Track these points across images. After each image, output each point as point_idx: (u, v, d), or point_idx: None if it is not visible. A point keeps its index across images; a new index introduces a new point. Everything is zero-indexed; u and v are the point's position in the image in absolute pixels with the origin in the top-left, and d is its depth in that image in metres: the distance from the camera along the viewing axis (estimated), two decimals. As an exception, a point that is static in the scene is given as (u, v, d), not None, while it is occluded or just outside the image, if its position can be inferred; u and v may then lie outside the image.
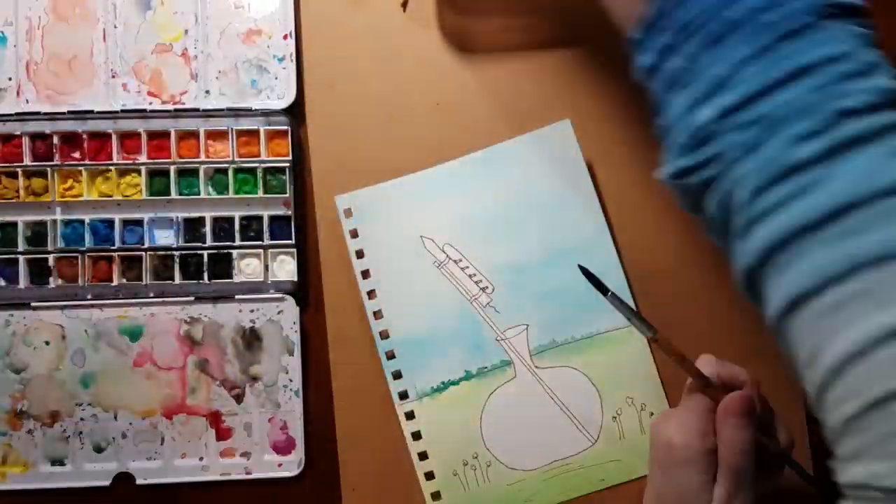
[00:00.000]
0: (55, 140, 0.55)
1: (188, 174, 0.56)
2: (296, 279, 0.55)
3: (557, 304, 0.55)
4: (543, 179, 0.55)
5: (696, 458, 0.42)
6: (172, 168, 0.55)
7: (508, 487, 0.54)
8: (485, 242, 0.55)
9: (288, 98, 0.55)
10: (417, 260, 0.55)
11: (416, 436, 0.54)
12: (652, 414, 0.55)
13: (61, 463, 0.55)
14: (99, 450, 0.55)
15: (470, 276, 0.55)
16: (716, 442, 0.43)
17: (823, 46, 0.33)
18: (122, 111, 0.55)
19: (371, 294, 0.55)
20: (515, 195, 0.55)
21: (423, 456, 0.54)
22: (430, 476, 0.54)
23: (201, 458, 0.55)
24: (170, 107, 0.55)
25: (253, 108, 0.55)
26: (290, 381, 0.55)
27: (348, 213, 0.55)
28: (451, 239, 0.55)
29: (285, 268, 0.56)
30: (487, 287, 0.55)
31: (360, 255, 0.55)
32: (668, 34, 0.36)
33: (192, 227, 0.56)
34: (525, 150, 0.55)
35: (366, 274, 0.55)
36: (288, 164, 0.55)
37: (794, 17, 0.33)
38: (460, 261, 0.55)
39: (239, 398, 0.56)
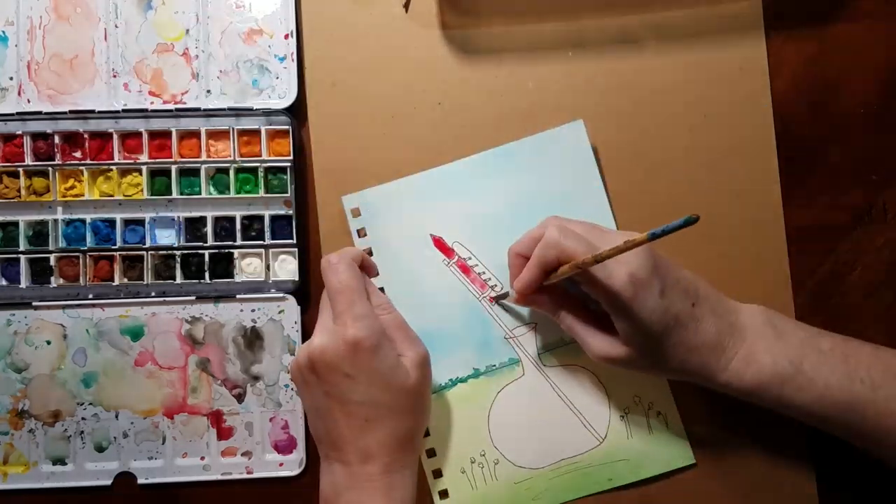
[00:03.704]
0: (56, 140, 0.55)
1: (189, 174, 0.56)
2: (297, 279, 0.55)
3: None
4: (554, 179, 0.55)
5: (381, 335, 0.47)
6: (174, 168, 0.55)
7: (516, 486, 0.54)
8: (494, 241, 0.54)
9: (289, 97, 0.55)
10: (426, 258, 0.55)
11: (424, 433, 0.54)
12: (659, 413, 0.54)
13: (63, 462, 0.55)
14: (100, 449, 0.55)
15: (479, 274, 0.55)
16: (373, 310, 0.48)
17: None
18: (124, 111, 0.55)
19: (379, 292, 0.55)
20: (526, 194, 0.55)
21: (430, 453, 0.54)
22: (437, 474, 0.54)
23: (202, 458, 0.55)
24: (171, 106, 0.55)
25: (254, 108, 0.55)
26: (292, 380, 0.55)
27: (356, 212, 0.55)
28: (461, 237, 0.55)
29: (286, 267, 0.55)
30: (496, 285, 0.55)
31: (368, 254, 0.55)
32: None
33: (193, 227, 0.56)
34: (537, 149, 0.55)
35: (375, 272, 0.55)
36: (289, 164, 0.55)
37: None
38: (469, 259, 0.55)
39: (240, 397, 0.55)
